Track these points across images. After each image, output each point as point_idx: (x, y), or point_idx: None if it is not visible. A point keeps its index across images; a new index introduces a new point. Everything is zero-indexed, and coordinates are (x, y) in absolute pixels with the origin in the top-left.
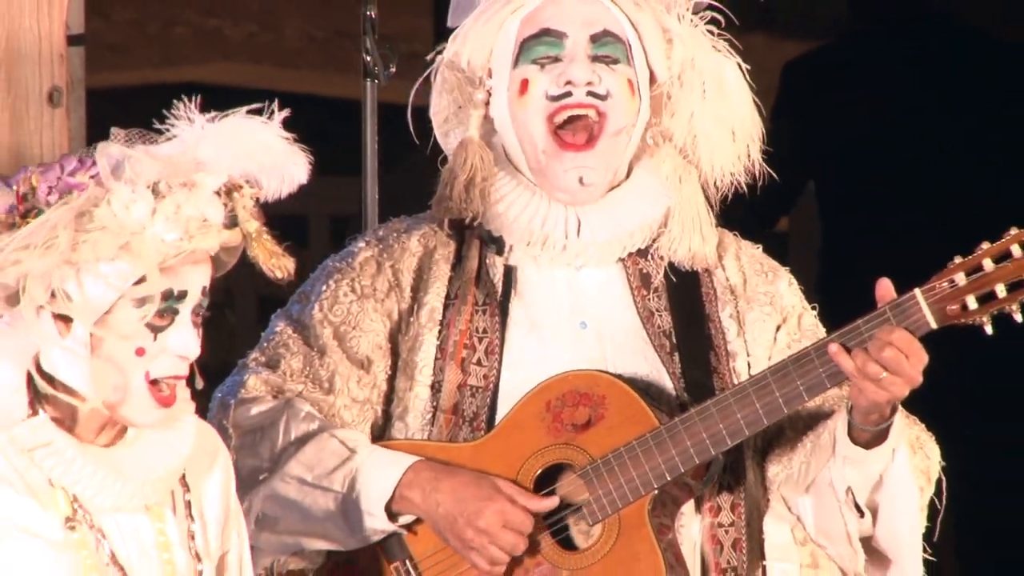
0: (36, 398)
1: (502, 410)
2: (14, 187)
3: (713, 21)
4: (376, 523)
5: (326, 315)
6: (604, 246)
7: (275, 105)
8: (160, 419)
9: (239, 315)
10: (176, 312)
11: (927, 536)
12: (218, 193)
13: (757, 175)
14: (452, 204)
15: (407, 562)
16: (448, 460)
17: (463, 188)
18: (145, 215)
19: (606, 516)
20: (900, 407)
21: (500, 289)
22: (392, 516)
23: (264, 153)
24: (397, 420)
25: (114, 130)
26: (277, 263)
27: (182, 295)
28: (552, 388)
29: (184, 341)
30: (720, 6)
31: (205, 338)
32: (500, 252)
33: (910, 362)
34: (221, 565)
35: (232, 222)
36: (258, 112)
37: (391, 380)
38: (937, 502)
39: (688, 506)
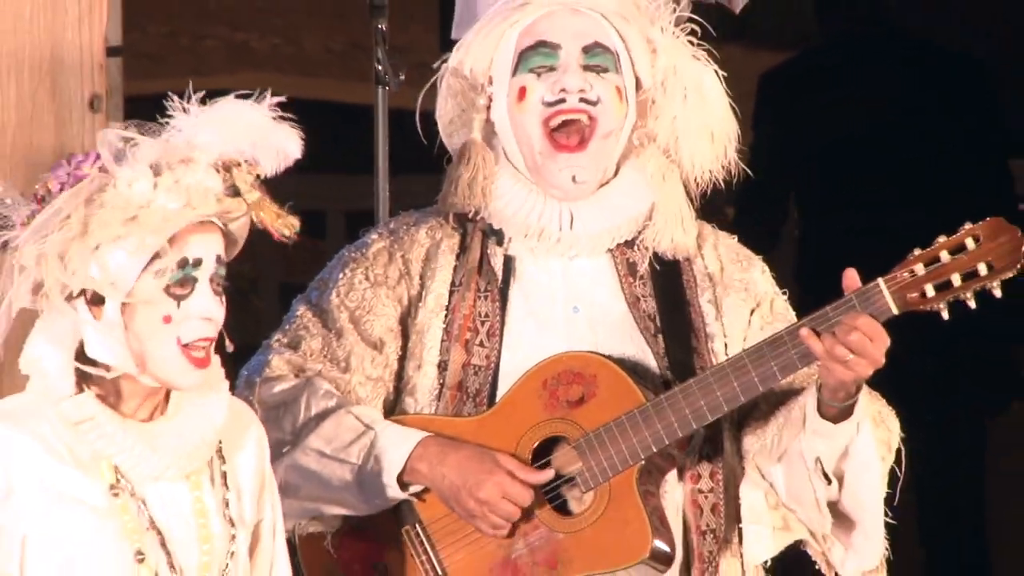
0: (82, 377)
1: (502, 387)
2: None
3: (693, 32)
4: (389, 492)
5: (343, 300)
6: (595, 238)
7: (268, 92)
8: (199, 380)
9: (263, 300)
10: (195, 280)
11: (888, 501)
12: (217, 169)
13: (734, 173)
14: (457, 200)
15: (416, 526)
16: (454, 434)
17: (467, 186)
18: (147, 189)
19: (598, 484)
20: (864, 385)
21: (500, 277)
22: (403, 486)
23: (254, 131)
24: (407, 396)
25: (112, 124)
26: (284, 222)
27: (198, 262)
28: (548, 368)
29: (205, 304)
30: (699, 19)
31: (233, 321)
32: (500, 243)
33: (874, 345)
34: (256, 532)
35: (234, 192)
36: (247, 97)
37: (401, 360)
38: (897, 470)
39: (671, 474)
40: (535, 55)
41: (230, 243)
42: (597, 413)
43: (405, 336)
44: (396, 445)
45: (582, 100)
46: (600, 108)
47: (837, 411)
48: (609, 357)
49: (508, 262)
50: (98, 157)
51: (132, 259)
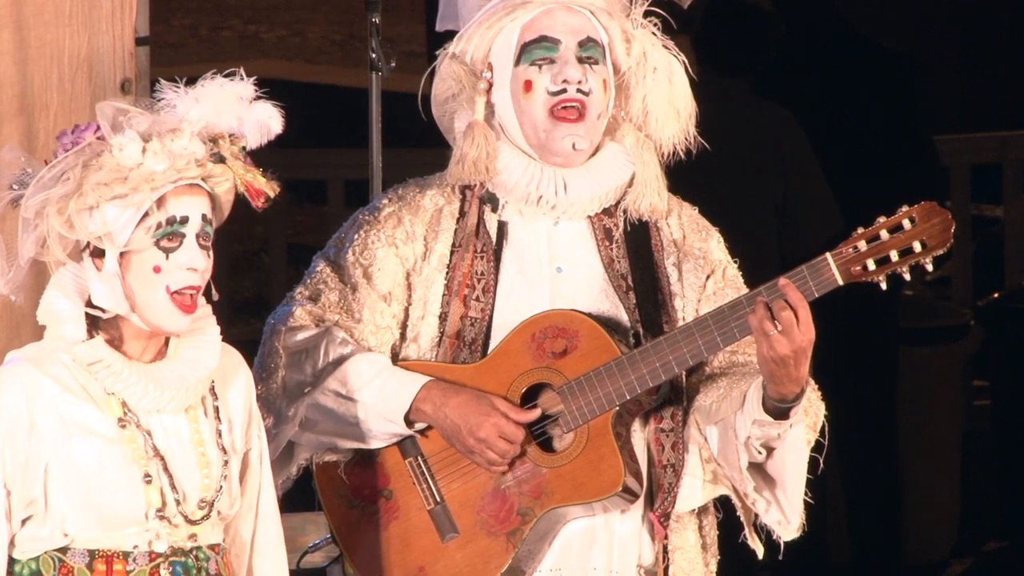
0: (92, 325)
1: (495, 337)
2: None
3: (658, 25)
4: (395, 428)
5: (357, 258)
6: (586, 202)
7: (242, 71)
8: (186, 324)
9: (273, 258)
10: (183, 235)
11: (812, 467)
12: (203, 140)
13: (694, 146)
14: (464, 175)
15: (418, 458)
16: (453, 379)
17: (472, 163)
18: (136, 153)
19: (578, 425)
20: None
21: (494, 240)
22: (409, 423)
23: (238, 104)
24: (411, 343)
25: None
26: (269, 185)
27: (184, 220)
28: (536, 323)
29: (191, 256)
30: (664, 14)
31: (247, 276)
32: (494, 210)
33: (800, 327)
34: (245, 460)
35: (219, 160)
36: (231, 77)
37: (407, 311)
38: (822, 441)
39: (639, 416)
40: (537, 48)
41: (217, 206)
42: (578, 363)
43: (410, 290)
44: (404, 388)
45: (579, 91)
46: (591, 98)
47: (778, 411)
48: (590, 315)
49: (501, 227)
50: (98, 128)
51: (125, 215)
